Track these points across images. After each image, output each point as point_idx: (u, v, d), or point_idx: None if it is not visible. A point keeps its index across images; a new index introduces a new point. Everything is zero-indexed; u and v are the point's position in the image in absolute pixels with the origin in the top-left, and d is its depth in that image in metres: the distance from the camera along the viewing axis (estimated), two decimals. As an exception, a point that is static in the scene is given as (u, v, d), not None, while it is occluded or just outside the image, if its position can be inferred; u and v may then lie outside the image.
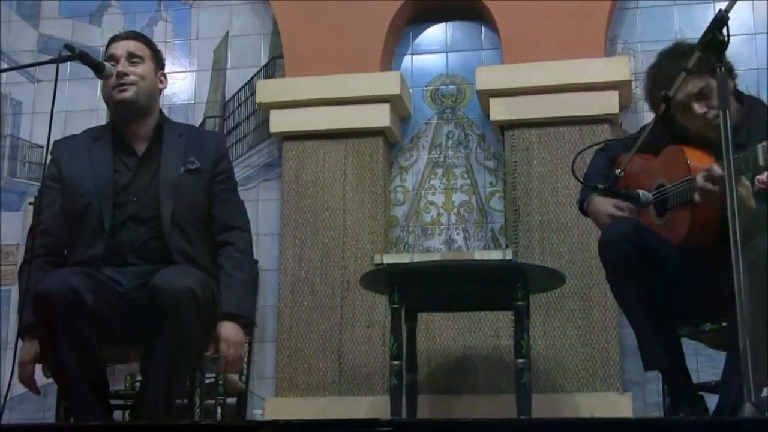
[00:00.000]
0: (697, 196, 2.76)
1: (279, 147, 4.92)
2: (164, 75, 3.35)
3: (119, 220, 3.10)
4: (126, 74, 3.17)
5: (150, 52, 3.28)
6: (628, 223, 2.98)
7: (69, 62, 3.12)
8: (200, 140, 3.33)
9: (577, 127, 4.54)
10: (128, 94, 3.16)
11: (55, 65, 3.00)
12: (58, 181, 3.19)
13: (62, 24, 5.40)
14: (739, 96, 3.06)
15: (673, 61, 2.95)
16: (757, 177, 2.69)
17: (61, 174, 3.19)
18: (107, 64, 3.13)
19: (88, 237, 3.09)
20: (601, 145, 3.42)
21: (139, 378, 3.13)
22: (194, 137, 3.34)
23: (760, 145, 2.48)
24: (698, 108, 2.93)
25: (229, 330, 3.04)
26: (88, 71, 3.18)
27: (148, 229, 3.10)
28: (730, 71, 2.96)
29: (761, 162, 2.49)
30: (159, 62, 3.32)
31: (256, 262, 4.69)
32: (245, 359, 3.16)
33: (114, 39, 3.31)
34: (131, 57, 3.21)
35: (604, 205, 3.13)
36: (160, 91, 3.34)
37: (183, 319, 2.79)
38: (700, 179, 2.74)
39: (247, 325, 3.13)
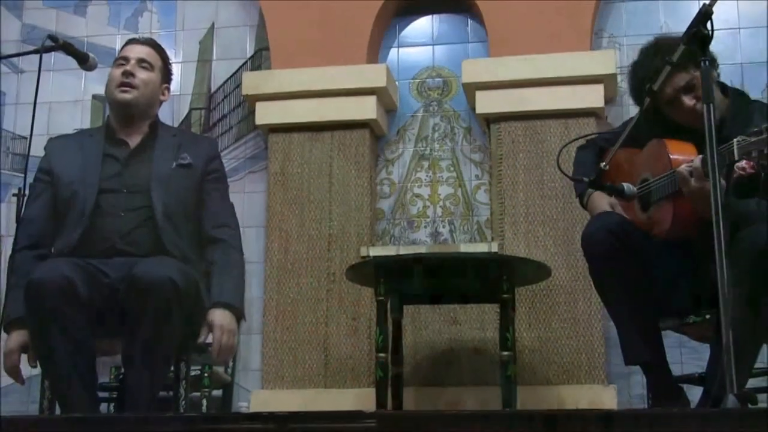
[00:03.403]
0: (682, 186, 2.78)
1: (265, 139, 4.92)
2: (168, 89, 3.42)
3: (108, 207, 3.12)
4: (132, 75, 3.24)
5: (161, 64, 3.37)
6: (612, 217, 2.99)
7: (53, 53, 3.11)
8: (193, 141, 3.45)
9: (562, 121, 4.55)
10: (129, 96, 3.24)
11: (38, 56, 3.00)
12: (48, 174, 3.25)
13: (46, 14, 5.37)
14: (724, 88, 3.08)
15: (655, 55, 2.97)
16: (737, 164, 2.70)
17: (51, 166, 3.24)
18: (91, 55, 3.16)
19: (71, 224, 3.12)
20: (587, 137, 3.43)
21: (122, 370, 3.13)
22: (188, 138, 3.47)
23: (735, 140, 2.50)
24: (687, 101, 2.95)
25: (221, 317, 3.03)
26: (72, 62, 3.18)
27: (136, 217, 3.14)
28: (713, 62, 2.99)
29: (737, 157, 2.51)
30: (167, 75, 3.41)
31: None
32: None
33: (131, 41, 3.41)
34: (142, 62, 3.30)
35: (602, 200, 3.13)
36: (161, 102, 3.41)
37: (163, 308, 2.80)
38: (683, 169, 2.76)
39: (239, 316, 3.13)
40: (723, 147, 2.55)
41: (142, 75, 3.26)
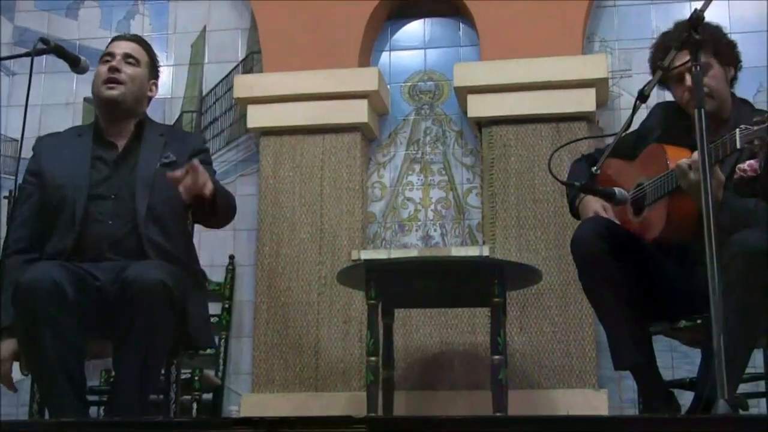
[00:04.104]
0: (680, 181, 2.78)
1: (256, 142, 4.91)
2: (156, 84, 3.39)
3: (96, 214, 3.10)
4: (118, 70, 3.21)
5: (147, 59, 3.33)
6: (600, 221, 3.00)
7: (44, 55, 3.10)
8: (181, 139, 3.38)
9: (554, 125, 4.56)
10: (115, 92, 3.21)
11: (30, 58, 2.98)
12: (36, 176, 3.22)
13: (38, 17, 5.36)
14: (731, 93, 3.12)
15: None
16: (739, 165, 2.72)
17: (40, 168, 3.22)
18: (82, 58, 3.14)
19: (62, 230, 3.10)
20: (579, 141, 3.44)
21: (113, 373, 3.12)
22: (175, 136, 3.39)
23: (737, 129, 2.52)
24: (689, 80, 2.97)
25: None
26: (63, 65, 3.17)
27: (124, 224, 3.11)
28: (738, 63, 3.11)
29: (738, 145, 2.52)
30: (154, 71, 3.37)
31: (233, 257, 4.68)
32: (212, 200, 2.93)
33: (117, 38, 3.38)
34: (127, 57, 3.27)
35: (595, 202, 3.14)
36: (149, 99, 3.37)
37: (155, 312, 2.79)
38: (683, 162, 2.76)
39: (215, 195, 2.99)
40: (726, 137, 2.57)
41: (128, 70, 3.23)
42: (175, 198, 3.15)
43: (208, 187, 2.93)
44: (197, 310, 3.15)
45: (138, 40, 3.37)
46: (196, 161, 2.91)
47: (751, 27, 4.63)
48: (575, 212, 3.27)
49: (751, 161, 2.70)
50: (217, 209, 3.05)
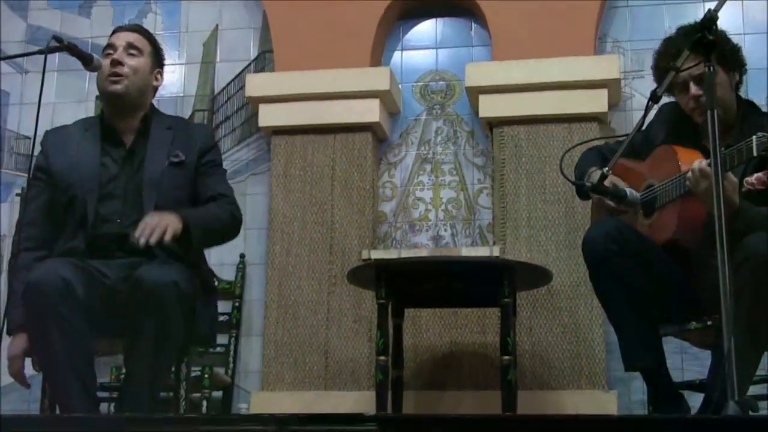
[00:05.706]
0: (690, 182, 2.77)
1: (267, 141, 4.92)
2: (161, 73, 3.35)
3: (105, 214, 3.09)
4: (120, 63, 3.18)
5: (150, 48, 3.29)
6: (611, 223, 2.99)
7: (57, 53, 3.11)
8: (188, 133, 3.32)
9: (566, 125, 4.55)
10: (119, 86, 3.17)
11: (43, 56, 2.99)
12: (45, 173, 3.20)
13: (51, 15, 5.38)
14: (737, 97, 3.10)
15: (687, 37, 2.97)
16: (746, 179, 2.70)
17: (48, 165, 3.20)
18: (95, 56, 3.13)
19: (72, 229, 3.10)
20: (590, 141, 3.44)
21: (124, 371, 3.13)
22: (182, 130, 3.33)
23: (754, 137, 2.52)
24: (694, 89, 2.98)
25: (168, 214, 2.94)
26: (76, 63, 3.17)
27: (133, 224, 3.09)
28: (742, 68, 3.08)
29: (755, 152, 2.51)
30: (158, 60, 3.33)
31: (243, 256, 4.69)
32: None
33: (118, 29, 3.34)
34: (129, 47, 3.23)
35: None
36: (155, 88, 3.34)
37: (166, 311, 2.79)
38: (696, 169, 2.74)
39: (187, 228, 2.97)
40: (741, 143, 2.56)
41: (131, 62, 3.20)
42: (182, 199, 3.16)
43: (170, 230, 2.90)
44: (205, 309, 3.16)
45: (139, 29, 3.34)
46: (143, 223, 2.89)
47: (763, 28, 4.61)
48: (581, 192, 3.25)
49: (759, 174, 2.68)
50: (192, 244, 3.01)
